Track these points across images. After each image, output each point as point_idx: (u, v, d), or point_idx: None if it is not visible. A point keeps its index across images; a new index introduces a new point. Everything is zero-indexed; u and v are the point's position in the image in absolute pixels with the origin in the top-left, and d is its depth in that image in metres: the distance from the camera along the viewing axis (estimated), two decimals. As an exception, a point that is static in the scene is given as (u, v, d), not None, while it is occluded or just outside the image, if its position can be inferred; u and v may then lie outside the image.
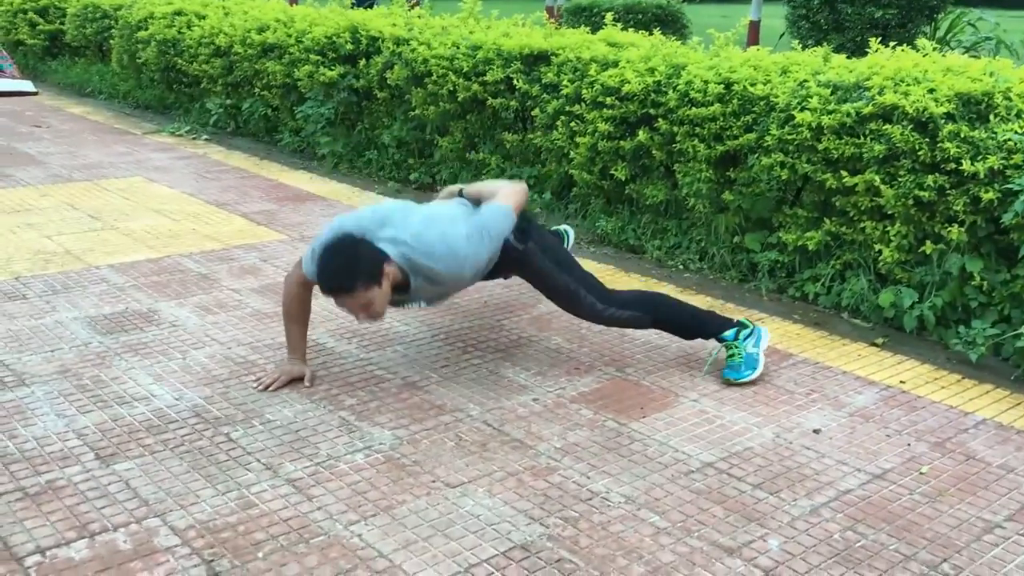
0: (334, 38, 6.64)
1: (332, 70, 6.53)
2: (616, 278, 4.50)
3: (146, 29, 8.62)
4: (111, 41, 9.53)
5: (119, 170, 6.55)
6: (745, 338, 3.39)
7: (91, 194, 5.84)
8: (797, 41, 5.38)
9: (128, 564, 2.25)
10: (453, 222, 3.12)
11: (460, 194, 3.49)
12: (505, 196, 3.26)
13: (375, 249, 2.98)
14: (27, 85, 10.13)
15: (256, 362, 3.43)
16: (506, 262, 3.27)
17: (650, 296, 3.55)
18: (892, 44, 4.50)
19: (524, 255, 3.27)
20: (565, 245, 3.99)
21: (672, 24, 12.61)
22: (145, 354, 3.46)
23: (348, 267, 2.92)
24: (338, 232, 3.06)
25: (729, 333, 3.40)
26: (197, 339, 3.62)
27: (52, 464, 2.68)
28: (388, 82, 6.22)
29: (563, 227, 4.13)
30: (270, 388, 3.19)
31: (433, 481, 2.66)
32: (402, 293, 3.08)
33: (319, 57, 6.66)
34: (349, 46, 6.55)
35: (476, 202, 3.38)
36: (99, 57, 10.54)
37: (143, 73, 9.04)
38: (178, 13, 8.48)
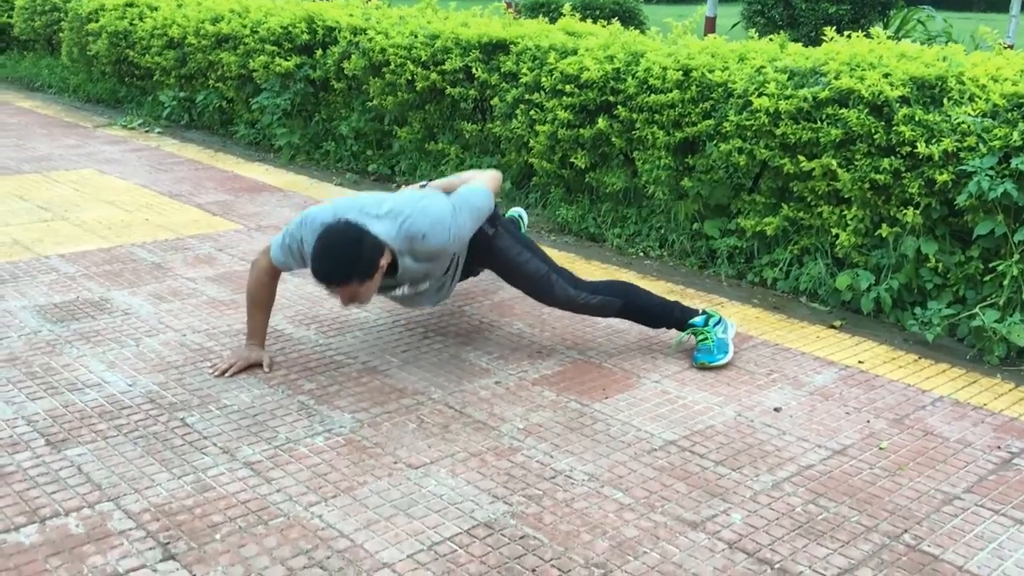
0: (290, 28, 6.56)
1: (288, 60, 6.45)
2: (577, 266, 4.49)
3: (97, 21, 8.46)
4: (61, 34, 9.33)
5: (70, 162, 6.41)
6: (714, 325, 3.40)
7: (41, 186, 5.71)
8: (754, 30, 5.41)
9: (80, 548, 2.19)
10: (436, 197, 3.07)
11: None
12: (481, 180, 3.24)
13: (376, 243, 2.87)
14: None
15: (212, 349, 3.36)
16: (478, 251, 3.23)
17: (619, 283, 3.53)
18: (847, 34, 4.54)
19: (494, 240, 3.24)
20: (521, 231, 3.97)
21: (629, 20, 12.69)
22: (97, 342, 3.38)
23: (347, 260, 2.82)
24: (336, 221, 2.91)
25: (698, 320, 3.42)
26: (151, 327, 3.55)
27: (0, 451, 2.60)
28: (345, 72, 6.15)
29: (515, 210, 4.10)
30: (226, 374, 3.13)
31: (395, 462, 2.63)
32: (390, 277, 3.01)
33: (275, 47, 6.57)
34: (305, 36, 6.48)
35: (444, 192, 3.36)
36: (48, 51, 10.33)
37: (94, 66, 8.88)
38: (130, 4, 8.34)
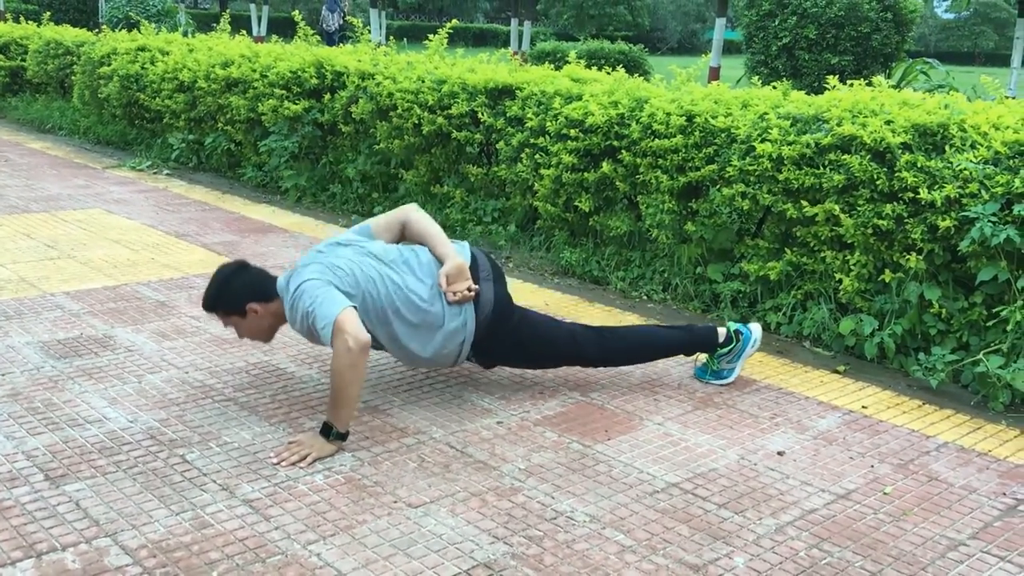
0: (299, 73, 6.65)
1: (297, 104, 6.53)
2: (580, 309, 4.49)
3: (109, 65, 8.59)
4: (73, 77, 9.47)
5: (77, 202, 6.46)
6: (740, 349, 3.55)
7: (48, 225, 5.75)
8: (758, 79, 5.47)
9: (76, 584, 2.17)
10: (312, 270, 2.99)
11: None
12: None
13: (249, 286, 3.08)
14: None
15: (214, 386, 3.35)
16: (493, 336, 3.20)
17: (635, 336, 3.64)
18: (849, 83, 4.59)
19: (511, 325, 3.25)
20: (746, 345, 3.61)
21: (634, 70, 12.83)
22: (99, 378, 3.38)
23: (213, 293, 3.12)
24: (234, 261, 3.23)
25: (723, 350, 3.57)
26: (153, 364, 3.55)
27: (-1, 485, 2.59)
28: (353, 116, 6.22)
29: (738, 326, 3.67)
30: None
31: (394, 501, 2.61)
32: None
33: (284, 91, 6.66)
34: (314, 80, 6.56)
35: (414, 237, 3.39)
36: (60, 93, 10.47)
37: (105, 109, 8.98)
38: (141, 49, 8.47)
